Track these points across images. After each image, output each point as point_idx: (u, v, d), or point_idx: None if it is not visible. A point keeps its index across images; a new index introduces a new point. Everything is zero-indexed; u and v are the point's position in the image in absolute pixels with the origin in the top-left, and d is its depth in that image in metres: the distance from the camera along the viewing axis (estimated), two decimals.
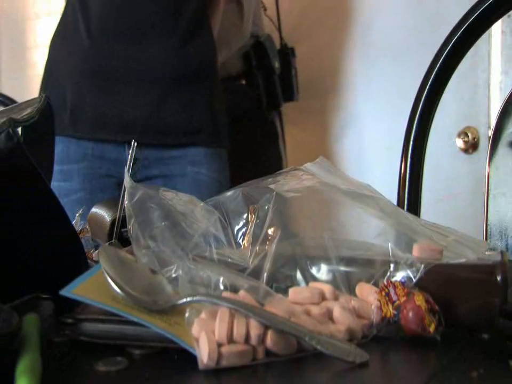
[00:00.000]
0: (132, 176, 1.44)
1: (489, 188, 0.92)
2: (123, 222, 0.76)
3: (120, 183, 1.37)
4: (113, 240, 0.76)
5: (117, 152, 1.47)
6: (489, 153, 0.93)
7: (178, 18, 1.46)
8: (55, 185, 1.42)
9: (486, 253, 0.62)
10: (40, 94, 1.52)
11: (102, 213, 0.82)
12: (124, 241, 0.73)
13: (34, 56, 2.91)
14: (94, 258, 0.69)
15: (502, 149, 0.92)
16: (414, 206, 1.02)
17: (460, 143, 1.91)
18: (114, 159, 1.47)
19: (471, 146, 1.91)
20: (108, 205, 0.83)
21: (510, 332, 0.53)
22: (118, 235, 0.76)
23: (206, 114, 1.50)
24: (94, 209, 0.84)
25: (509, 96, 0.96)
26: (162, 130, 1.48)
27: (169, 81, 1.47)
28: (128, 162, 0.72)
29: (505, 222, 0.91)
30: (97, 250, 0.72)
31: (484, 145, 1.88)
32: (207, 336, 0.46)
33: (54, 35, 1.56)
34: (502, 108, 0.95)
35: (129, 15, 1.45)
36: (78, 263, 0.59)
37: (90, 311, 0.51)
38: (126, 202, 0.62)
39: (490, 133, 1.98)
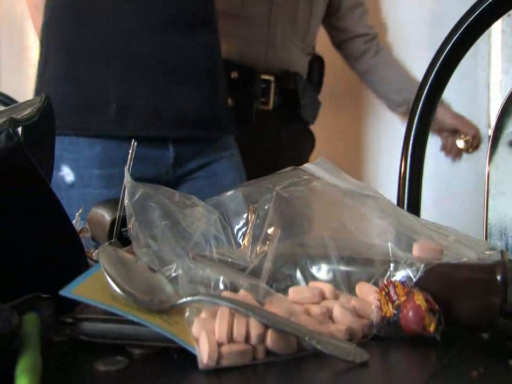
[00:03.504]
0: (173, 172, 1.37)
1: (489, 188, 0.92)
2: (123, 221, 0.76)
3: (159, 183, 1.13)
4: (113, 240, 0.76)
5: (158, 151, 1.34)
6: (489, 153, 0.93)
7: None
8: (96, 192, 1.26)
9: (486, 252, 0.62)
10: (63, 91, 1.29)
11: (102, 212, 0.82)
12: (124, 241, 0.73)
13: (34, 55, 2.91)
14: (94, 258, 0.69)
15: (502, 148, 0.92)
16: (414, 206, 1.02)
17: (459, 142, 1.91)
18: (154, 158, 1.34)
19: (471, 146, 1.91)
20: (108, 205, 0.83)
21: (510, 331, 0.53)
22: (118, 234, 0.76)
23: (227, 104, 1.47)
24: (94, 209, 0.84)
25: (509, 96, 0.96)
26: (212, 124, 1.39)
27: (219, 73, 1.41)
28: (128, 162, 0.72)
29: (505, 222, 0.91)
30: (97, 250, 0.72)
31: (484, 145, 1.88)
32: (207, 335, 0.46)
33: (75, 17, 1.32)
34: (502, 107, 0.95)
35: (184, 4, 1.35)
36: (78, 263, 0.59)
37: (90, 311, 0.51)
38: (126, 201, 0.62)
39: (491, 132, 1.97)
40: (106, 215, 0.80)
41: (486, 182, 0.92)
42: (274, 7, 1.72)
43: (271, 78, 1.73)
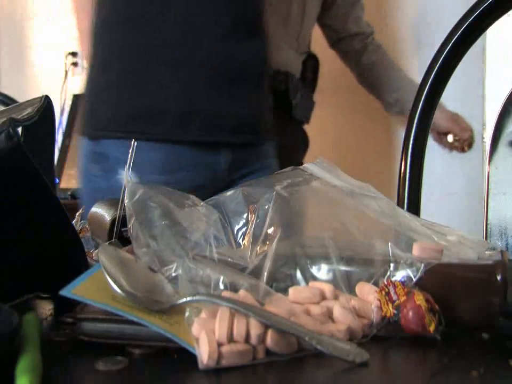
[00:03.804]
0: (226, 178, 1.33)
1: (489, 187, 0.92)
2: (123, 221, 0.76)
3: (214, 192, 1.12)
4: (113, 240, 0.76)
5: (213, 156, 1.35)
6: (489, 153, 0.93)
7: None
8: None
9: (486, 252, 0.62)
10: (125, 96, 1.29)
11: (102, 212, 0.82)
12: (124, 241, 0.73)
13: (34, 56, 2.91)
14: (94, 258, 0.69)
15: (502, 148, 0.92)
16: (414, 206, 1.02)
17: (450, 137, 1.89)
18: (209, 163, 1.35)
19: (465, 145, 1.88)
20: (108, 204, 0.83)
21: (510, 331, 0.53)
22: (118, 234, 0.76)
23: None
24: (94, 209, 0.84)
25: (509, 96, 0.96)
26: (263, 130, 1.41)
27: (268, 79, 1.43)
28: (128, 162, 0.72)
29: (505, 222, 0.91)
30: (97, 250, 0.72)
31: (478, 144, 1.86)
32: (207, 335, 0.46)
33: (137, 23, 1.31)
34: (502, 107, 0.95)
35: (244, 12, 1.37)
36: (78, 263, 0.59)
37: (90, 311, 0.51)
38: (126, 201, 0.62)
39: (484, 131, 1.96)
40: (106, 215, 0.80)
41: (486, 182, 0.92)
42: (267, 6, 1.71)
43: None
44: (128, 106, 1.30)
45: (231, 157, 1.36)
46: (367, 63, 1.86)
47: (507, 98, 0.95)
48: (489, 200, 0.92)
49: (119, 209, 0.75)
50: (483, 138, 1.90)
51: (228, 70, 1.33)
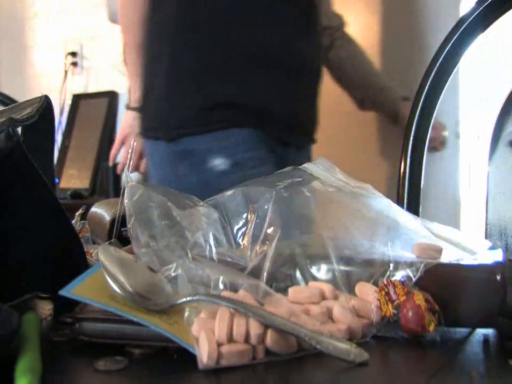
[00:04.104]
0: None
1: (488, 187, 0.92)
2: (123, 221, 0.76)
3: None
4: (112, 240, 0.76)
5: (282, 150, 1.38)
6: (489, 153, 0.93)
7: None
8: (251, 173, 1.24)
9: (486, 252, 0.62)
10: (207, 90, 1.32)
11: (101, 212, 0.82)
12: (123, 241, 0.73)
13: (34, 56, 2.91)
14: (94, 258, 0.69)
15: (501, 148, 0.92)
16: (414, 206, 1.02)
17: None
18: (281, 158, 1.38)
19: (435, 147, 1.83)
20: (108, 204, 0.83)
21: (510, 331, 0.53)
22: (118, 234, 0.76)
23: None
24: (94, 208, 0.84)
25: (509, 95, 0.95)
26: (316, 129, 1.46)
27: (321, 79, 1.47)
28: (128, 161, 0.72)
29: (505, 222, 0.91)
30: (97, 250, 0.72)
31: (453, 142, 1.84)
32: (206, 335, 0.46)
33: (217, 17, 1.34)
34: (502, 107, 0.95)
35: (314, 13, 1.40)
36: (78, 263, 0.59)
37: (89, 311, 0.51)
38: (126, 201, 0.62)
39: (459, 128, 1.92)
40: (106, 215, 0.80)
41: (486, 182, 0.92)
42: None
43: None
44: (208, 102, 1.32)
45: (296, 154, 1.40)
46: (334, 59, 1.78)
47: (507, 98, 0.95)
48: (488, 200, 0.91)
49: (119, 209, 0.75)
50: (458, 135, 1.88)
51: (298, 68, 1.36)
